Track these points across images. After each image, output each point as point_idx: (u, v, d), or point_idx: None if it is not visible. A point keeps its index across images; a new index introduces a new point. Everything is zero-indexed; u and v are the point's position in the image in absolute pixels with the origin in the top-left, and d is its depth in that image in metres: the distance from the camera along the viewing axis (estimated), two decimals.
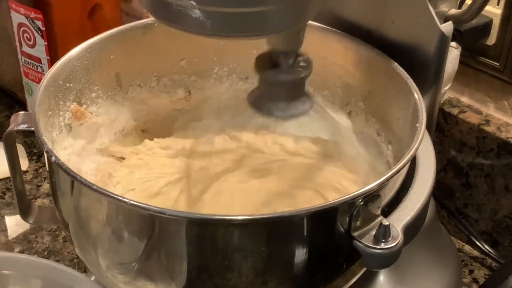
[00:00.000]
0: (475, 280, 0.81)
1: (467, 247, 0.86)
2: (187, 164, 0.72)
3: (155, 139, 0.76)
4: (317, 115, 0.74)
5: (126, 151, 0.74)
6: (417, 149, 0.58)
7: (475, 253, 0.85)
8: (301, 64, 0.60)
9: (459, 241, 0.86)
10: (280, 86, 0.60)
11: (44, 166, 0.94)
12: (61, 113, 0.68)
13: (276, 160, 0.73)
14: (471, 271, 0.83)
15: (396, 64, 0.66)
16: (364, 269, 0.61)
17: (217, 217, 0.55)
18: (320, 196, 0.68)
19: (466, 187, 0.84)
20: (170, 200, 0.68)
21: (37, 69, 0.90)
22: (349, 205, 0.55)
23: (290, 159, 0.73)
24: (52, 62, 0.88)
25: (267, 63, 0.60)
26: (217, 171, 0.71)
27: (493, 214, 0.82)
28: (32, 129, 0.61)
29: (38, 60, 0.90)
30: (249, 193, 0.69)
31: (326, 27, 0.72)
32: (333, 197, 0.64)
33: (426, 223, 0.63)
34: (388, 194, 0.58)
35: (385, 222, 0.54)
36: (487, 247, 0.83)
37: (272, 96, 0.60)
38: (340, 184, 0.69)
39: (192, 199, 0.68)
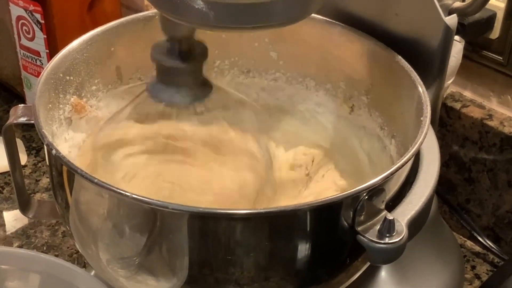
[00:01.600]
0: (477, 276, 0.81)
1: (469, 243, 0.85)
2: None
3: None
4: None
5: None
6: (422, 143, 0.58)
7: (477, 248, 0.84)
8: (197, 50, 0.61)
9: (461, 236, 0.86)
10: (176, 72, 0.61)
11: (43, 160, 0.93)
12: (61, 106, 0.68)
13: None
14: (473, 267, 0.82)
15: (399, 57, 0.66)
16: (367, 264, 0.61)
17: (219, 211, 0.54)
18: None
19: (468, 182, 0.83)
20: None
21: (36, 62, 0.90)
22: (353, 199, 0.54)
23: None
24: (51, 55, 0.88)
25: (163, 50, 0.60)
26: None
27: (496, 209, 0.82)
28: (32, 122, 0.60)
29: (37, 54, 0.89)
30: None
31: (329, 19, 0.71)
32: None
33: (428, 218, 0.62)
34: (392, 189, 0.58)
35: (390, 216, 0.54)
36: (489, 243, 0.82)
37: (169, 83, 0.61)
38: None
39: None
